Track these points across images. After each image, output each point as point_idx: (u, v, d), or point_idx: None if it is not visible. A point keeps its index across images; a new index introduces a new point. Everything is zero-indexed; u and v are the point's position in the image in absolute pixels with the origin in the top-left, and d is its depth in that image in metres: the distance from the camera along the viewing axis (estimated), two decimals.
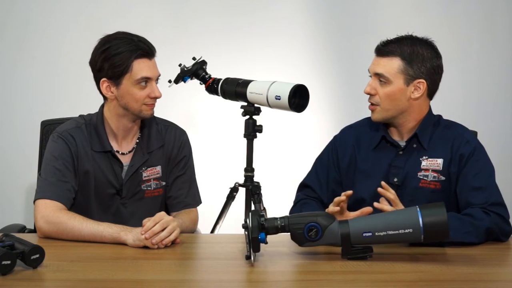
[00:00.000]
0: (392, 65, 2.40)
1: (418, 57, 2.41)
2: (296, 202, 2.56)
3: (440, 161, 2.42)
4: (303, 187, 2.59)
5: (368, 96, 2.44)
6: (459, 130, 2.48)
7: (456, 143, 2.43)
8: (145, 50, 2.45)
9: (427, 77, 2.42)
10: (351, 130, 2.60)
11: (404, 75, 2.40)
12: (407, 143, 2.47)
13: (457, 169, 2.40)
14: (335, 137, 2.63)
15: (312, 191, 2.56)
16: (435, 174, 2.42)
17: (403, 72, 2.40)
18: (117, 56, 2.42)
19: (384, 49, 2.41)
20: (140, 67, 2.44)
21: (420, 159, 2.44)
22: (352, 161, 2.53)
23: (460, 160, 2.40)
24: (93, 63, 2.49)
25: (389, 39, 2.45)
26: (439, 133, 2.46)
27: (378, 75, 2.41)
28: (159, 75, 2.50)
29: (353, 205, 2.50)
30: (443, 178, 2.41)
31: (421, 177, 2.42)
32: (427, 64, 2.42)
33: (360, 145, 2.54)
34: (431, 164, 2.43)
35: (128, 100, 2.46)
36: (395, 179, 2.45)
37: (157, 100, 2.52)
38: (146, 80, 2.45)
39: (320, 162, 2.60)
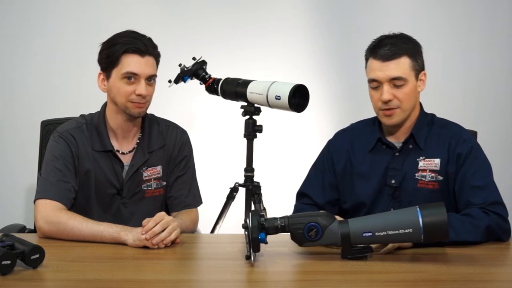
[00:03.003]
0: (404, 65, 2.38)
1: (417, 49, 2.43)
2: (295, 212, 2.56)
3: (437, 161, 2.42)
4: (301, 196, 2.59)
5: (381, 103, 2.38)
6: (455, 129, 2.48)
7: (452, 143, 2.42)
8: (138, 46, 2.44)
9: (424, 68, 2.45)
10: (345, 134, 2.59)
11: (414, 71, 2.40)
12: (403, 144, 2.46)
13: (455, 168, 2.40)
14: (329, 142, 2.62)
15: (309, 199, 2.55)
16: (433, 174, 2.42)
17: (413, 68, 2.40)
18: (110, 49, 2.45)
19: (389, 53, 2.37)
20: (128, 61, 2.44)
21: (417, 159, 2.43)
22: (348, 166, 2.53)
23: (458, 160, 2.40)
24: (98, 55, 2.50)
25: (378, 43, 2.41)
26: (435, 133, 2.46)
27: (394, 79, 2.36)
28: (152, 75, 2.48)
29: (353, 209, 2.50)
30: (441, 178, 2.41)
31: (419, 178, 2.42)
32: (422, 56, 2.45)
33: (354, 149, 2.53)
34: (429, 165, 2.42)
35: (115, 94, 2.47)
36: (393, 181, 2.45)
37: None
38: (133, 76, 2.44)
39: (315, 168, 2.60)
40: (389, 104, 2.38)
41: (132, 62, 2.44)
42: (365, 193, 2.47)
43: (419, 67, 2.41)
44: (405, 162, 2.45)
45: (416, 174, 2.43)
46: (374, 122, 2.53)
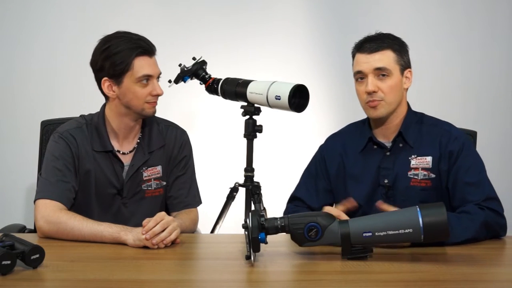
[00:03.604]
0: (388, 57, 2.42)
1: (403, 47, 2.47)
2: (286, 214, 2.56)
3: (429, 158, 2.43)
4: (293, 199, 2.60)
5: (366, 95, 2.42)
6: (445, 127, 2.49)
7: (444, 140, 2.44)
8: (145, 48, 2.45)
9: (410, 66, 2.47)
10: (337, 138, 2.61)
11: (399, 65, 2.44)
12: (393, 143, 2.47)
13: (447, 166, 2.42)
14: (321, 147, 2.63)
15: (302, 202, 2.56)
16: (425, 172, 2.43)
17: (397, 63, 2.43)
18: (117, 55, 2.43)
19: (374, 46, 2.42)
20: (141, 64, 2.44)
21: (409, 158, 2.44)
22: (341, 168, 2.54)
23: (450, 157, 2.41)
24: (93, 63, 2.49)
25: (364, 39, 2.45)
26: (425, 131, 2.47)
27: (378, 70, 2.40)
28: (160, 73, 2.51)
29: (348, 211, 2.49)
30: (433, 175, 2.42)
31: (412, 176, 2.44)
32: (408, 54, 2.48)
33: (347, 151, 2.55)
34: (421, 163, 2.43)
35: (130, 98, 2.46)
36: (386, 181, 2.46)
37: (158, 100, 2.52)
38: (148, 78, 2.46)
39: (308, 173, 2.61)
40: (373, 96, 2.41)
41: (145, 65, 2.45)
42: (359, 195, 2.47)
43: (404, 63, 2.45)
44: (397, 161, 2.46)
45: (409, 173, 2.44)
46: (364, 123, 2.56)
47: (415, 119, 2.50)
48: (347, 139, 2.57)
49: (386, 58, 2.41)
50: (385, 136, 2.49)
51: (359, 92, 2.46)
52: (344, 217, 2.27)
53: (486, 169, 2.45)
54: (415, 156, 2.44)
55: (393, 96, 2.42)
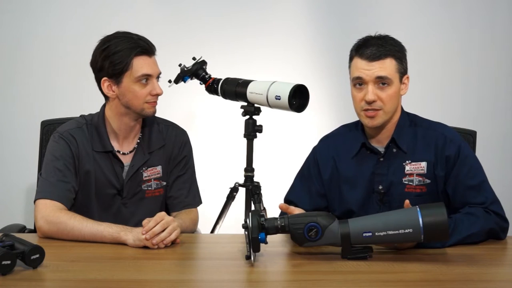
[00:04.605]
0: (391, 66, 2.36)
1: (403, 52, 2.41)
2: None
3: (423, 164, 2.40)
4: (286, 202, 2.57)
5: (363, 102, 2.36)
6: (439, 129, 2.44)
7: (439, 144, 2.39)
8: (145, 47, 2.45)
9: (407, 72, 2.43)
10: (329, 141, 2.57)
11: (399, 73, 2.38)
12: (386, 149, 2.43)
13: (445, 171, 2.38)
14: (314, 149, 2.59)
15: (295, 205, 2.53)
16: (420, 178, 2.39)
17: (398, 71, 2.38)
18: (116, 54, 2.43)
19: (376, 53, 2.35)
20: (140, 64, 2.44)
21: (403, 164, 2.41)
22: (334, 173, 2.50)
23: (447, 162, 2.38)
24: (93, 63, 2.49)
25: (364, 43, 2.38)
26: (420, 135, 2.42)
27: (379, 79, 2.34)
28: (160, 73, 2.51)
29: (342, 217, 2.47)
30: (428, 181, 2.39)
31: (406, 182, 2.40)
32: (406, 59, 2.42)
33: (340, 155, 2.50)
34: (415, 168, 2.40)
35: (130, 98, 2.46)
36: (380, 187, 2.43)
37: (158, 100, 2.52)
38: (147, 77, 2.45)
39: (301, 176, 2.58)
40: (372, 105, 2.36)
41: (144, 64, 2.45)
42: (353, 200, 2.45)
43: (403, 70, 2.40)
44: (391, 167, 2.42)
45: (403, 179, 2.40)
46: (357, 127, 2.51)
47: (407, 122, 2.44)
48: (340, 142, 2.52)
49: (388, 66, 2.35)
50: (379, 141, 2.45)
51: (356, 98, 2.40)
52: None
53: (486, 169, 2.44)
54: (410, 161, 2.40)
55: (391, 105, 2.37)
